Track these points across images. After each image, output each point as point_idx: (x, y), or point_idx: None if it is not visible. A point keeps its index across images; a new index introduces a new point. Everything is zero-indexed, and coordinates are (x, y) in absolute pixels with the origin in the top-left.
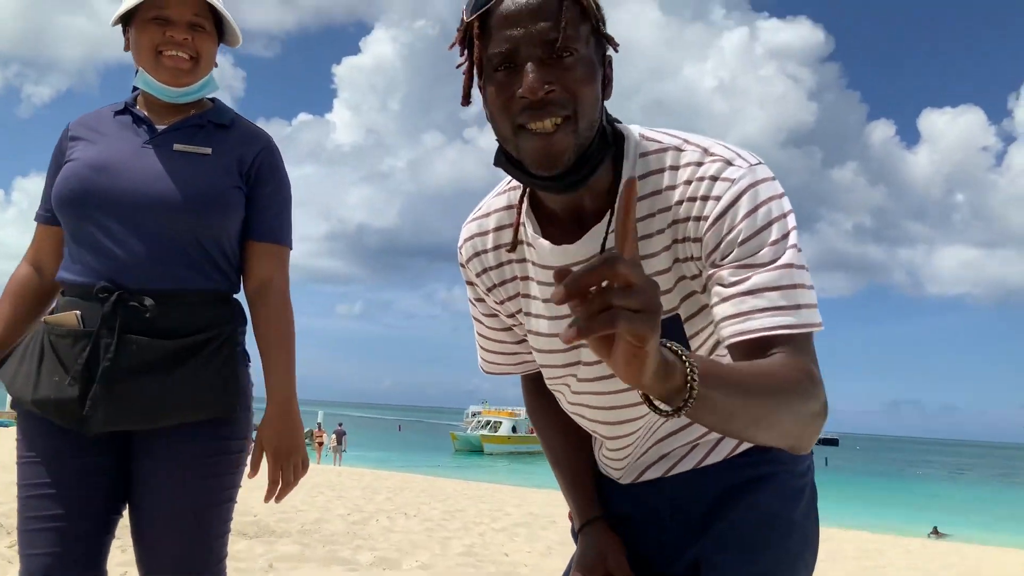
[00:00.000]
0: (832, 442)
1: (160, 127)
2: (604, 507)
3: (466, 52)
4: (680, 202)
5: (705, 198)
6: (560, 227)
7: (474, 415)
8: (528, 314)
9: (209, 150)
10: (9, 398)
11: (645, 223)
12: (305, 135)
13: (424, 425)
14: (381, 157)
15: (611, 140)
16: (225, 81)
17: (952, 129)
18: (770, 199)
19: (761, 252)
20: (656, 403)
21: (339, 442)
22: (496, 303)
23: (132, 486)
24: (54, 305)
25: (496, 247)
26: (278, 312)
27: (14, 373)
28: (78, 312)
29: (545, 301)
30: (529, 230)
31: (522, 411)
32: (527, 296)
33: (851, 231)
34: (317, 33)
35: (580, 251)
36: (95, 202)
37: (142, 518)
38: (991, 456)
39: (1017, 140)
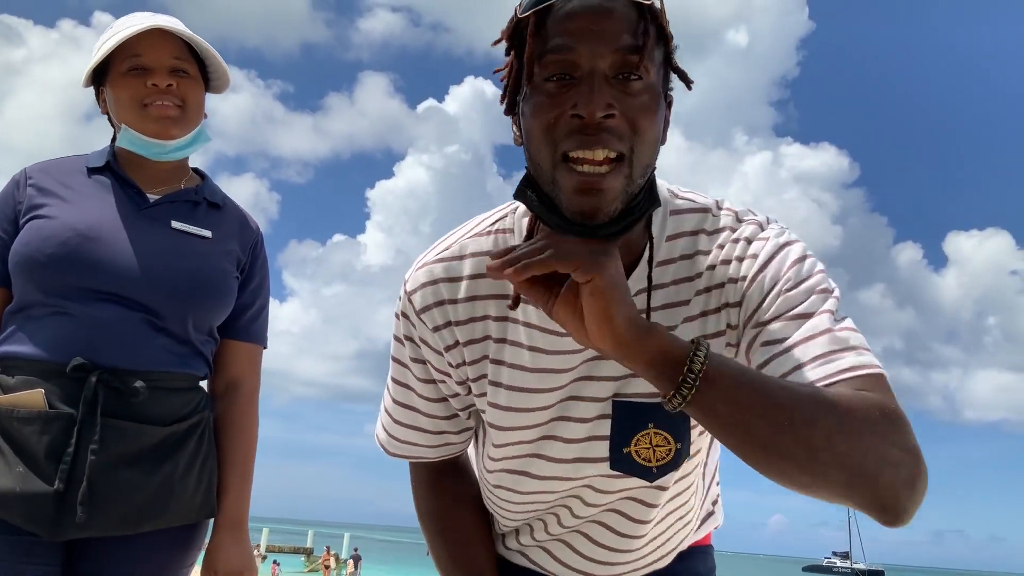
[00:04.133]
0: (878, 574)
1: (151, 195)
2: None
3: (513, 52)
4: (714, 267)
5: (741, 259)
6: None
7: None
8: (497, 384)
9: (210, 234)
10: None
11: (680, 287)
12: (337, 256)
13: None
14: None
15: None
16: (261, 204)
17: (980, 252)
18: (809, 256)
19: (806, 302)
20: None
21: (355, 567)
22: (450, 365)
23: None
24: None
25: (471, 298)
26: (244, 416)
27: None
28: (43, 391)
29: (538, 371)
30: None
31: None
32: (499, 362)
33: (881, 354)
34: (349, 160)
35: None
36: (80, 272)
37: None
38: None
39: None
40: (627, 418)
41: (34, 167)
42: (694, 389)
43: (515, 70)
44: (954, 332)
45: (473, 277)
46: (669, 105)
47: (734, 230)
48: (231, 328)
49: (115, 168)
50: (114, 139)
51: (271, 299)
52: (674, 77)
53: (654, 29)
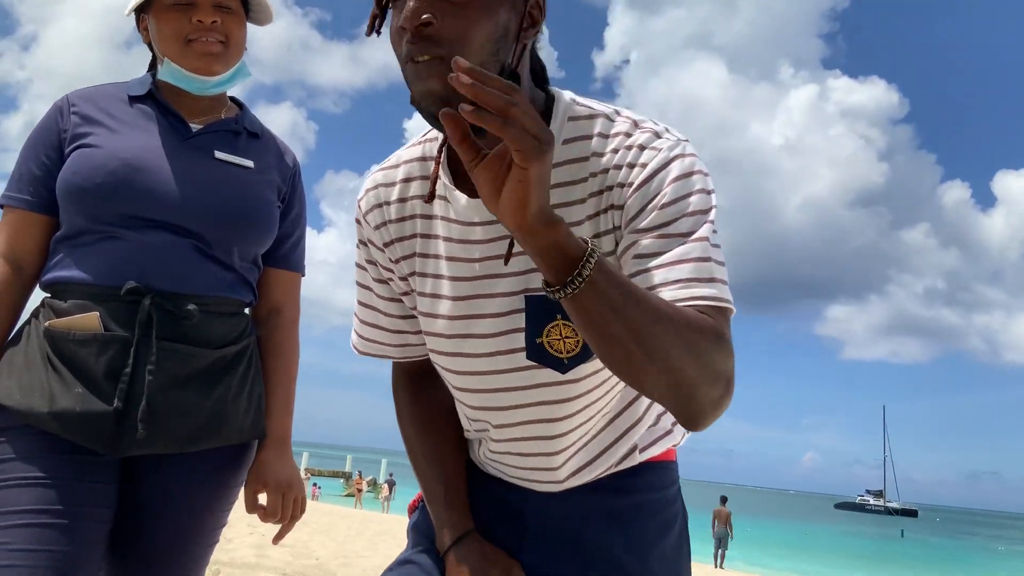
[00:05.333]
0: (911, 513)
1: (192, 125)
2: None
3: None
4: (607, 170)
5: (632, 165)
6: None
7: None
8: (424, 275)
9: (251, 164)
10: None
11: (569, 189)
12: None
13: None
14: None
15: (528, 87)
16: (298, 133)
17: None
18: (697, 172)
19: (680, 221)
20: (547, 282)
21: (390, 491)
22: (391, 261)
23: (129, 510)
24: (36, 310)
25: (401, 200)
26: (286, 340)
27: (6, 387)
28: (98, 314)
29: (450, 259)
30: (445, 181)
31: None
32: (425, 256)
33: (922, 294)
34: (386, 90)
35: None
36: (129, 201)
37: (136, 548)
38: None
39: None
40: (537, 310)
41: (76, 94)
42: (577, 289)
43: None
44: (999, 273)
45: (405, 180)
46: (536, 4)
47: (629, 135)
48: (272, 256)
49: (157, 97)
50: (153, 67)
51: (309, 229)
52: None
53: None
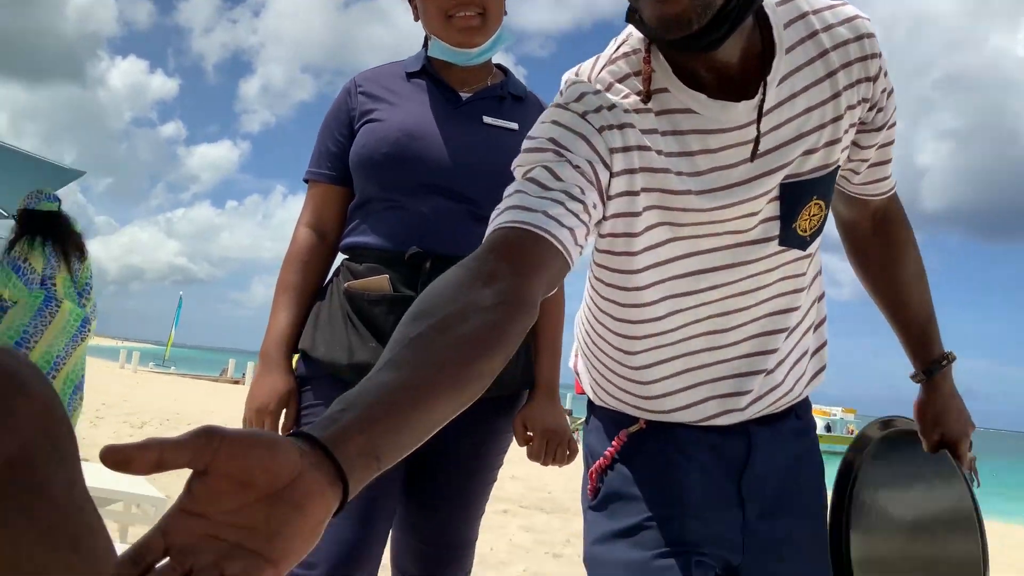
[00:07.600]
0: None
1: (462, 94)
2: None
3: None
4: (837, 46)
5: (867, 56)
6: (704, 88)
7: None
8: (661, 170)
9: (516, 126)
10: (248, 369)
11: (808, 70)
12: None
13: None
14: None
15: None
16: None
17: None
18: None
19: (893, 123)
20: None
21: None
22: (607, 168)
23: (416, 456)
24: (338, 270)
25: (615, 107)
26: (556, 294)
27: (312, 339)
28: (387, 276)
29: (695, 154)
30: (671, 80)
31: (837, 411)
32: (653, 168)
33: None
34: (590, 30)
35: (745, 113)
36: (410, 167)
37: (427, 487)
38: None
39: None
40: (796, 196)
41: (361, 76)
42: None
43: None
44: None
45: (615, 90)
46: None
47: (832, 8)
48: None
49: (430, 71)
50: (425, 44)
51: None
52: None
53: None
